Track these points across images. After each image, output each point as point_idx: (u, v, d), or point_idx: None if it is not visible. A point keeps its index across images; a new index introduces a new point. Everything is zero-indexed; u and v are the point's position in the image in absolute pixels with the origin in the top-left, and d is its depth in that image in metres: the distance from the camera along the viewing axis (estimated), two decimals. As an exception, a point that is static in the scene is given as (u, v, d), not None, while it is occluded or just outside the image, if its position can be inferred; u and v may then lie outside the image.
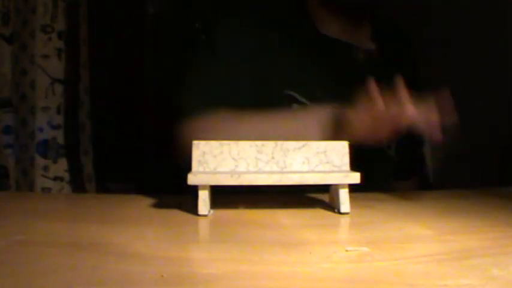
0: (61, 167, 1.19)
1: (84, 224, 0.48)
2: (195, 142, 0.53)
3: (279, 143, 0.54)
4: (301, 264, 0.34)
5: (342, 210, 0.52)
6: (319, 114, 0.72)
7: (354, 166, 0.54)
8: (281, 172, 0.52)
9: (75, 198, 0.86)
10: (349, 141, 0.56)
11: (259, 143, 0.53)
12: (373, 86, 0.64)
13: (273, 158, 0.53)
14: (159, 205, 0.56)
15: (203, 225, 0.48)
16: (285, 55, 0.82)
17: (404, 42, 1.00)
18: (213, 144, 0.53)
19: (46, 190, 1.16)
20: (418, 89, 0.99)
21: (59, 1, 1.17)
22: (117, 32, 1.48)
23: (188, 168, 0.52)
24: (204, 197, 0.50)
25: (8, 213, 0.53)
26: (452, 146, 0.64)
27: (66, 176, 1.19)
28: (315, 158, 0.54)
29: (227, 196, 0.56)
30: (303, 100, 0.82)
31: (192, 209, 0.50)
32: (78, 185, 1.21)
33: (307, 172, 0.53)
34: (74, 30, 1.20)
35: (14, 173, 1.19)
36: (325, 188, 0.56)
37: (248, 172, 0.52)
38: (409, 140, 0.72)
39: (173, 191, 0.59)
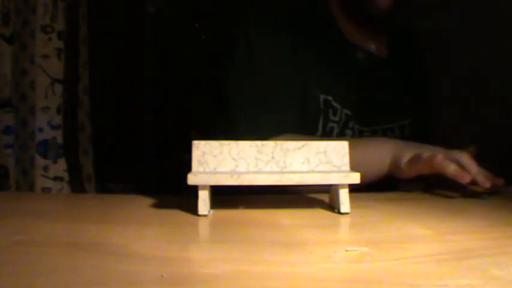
0: (61, 167, 1.19)
1: (84, 224, 0.48)
2: (195, 142, 0.53)
3: (279, 143, 0.54)
4: (301, 264, 0.34)
5: (342, 210, 0.52)
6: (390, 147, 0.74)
7: None
8: (281, 172, 0.52)
9: (75, 199, 0.86)
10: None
11: (259, 143, 0.53)
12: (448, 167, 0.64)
13: (273, 158, 0.53)
14: (159, 205, 0.56)
15: (203, 225, 0.48)
16: (317, 60, 0.83)
17: (419, 51, 1.02)
18: (213, 144, 0.53)
19: (46, 190, 1.16)
20: (429, 98, 1.00)
21: (59, 1, 1.17)
22: (117, 32, 1.48)
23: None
24: (204, 197, 0.50)
25: (8, 213, 0.53)
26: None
27: (66, 176, 1.19)
28: (315, 158, 0.54)
29: (227, 196, 0.56)
30: (336, 104, 0.82)
31: (192, 209, 0.50)
32: (77, 185, 1.21)
33: (307, 172, 0.53)
34: (74, 30, 1.21)
35: (14, 173, 1.19)
36: (325, 188, 0.56)
37: (248, 172, 0.52)
38: None
39: (173, 191, 0.59)
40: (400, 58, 0.95)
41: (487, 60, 1.29)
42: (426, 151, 0.67)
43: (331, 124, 0.83)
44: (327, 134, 0.83)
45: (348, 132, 0.85)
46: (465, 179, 0.62)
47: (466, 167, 0.64)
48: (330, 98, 0.83)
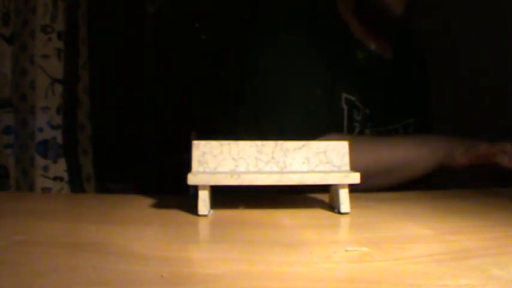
0: (61, 167, 1.19)
1: (84, 224, 0.48)
2: (195, 142, 0.53)
3: (279, 143, 0.54)
4: (301, 264, 0.34)
5: (342, 210, 0.52)
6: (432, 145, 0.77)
7: None
8: (281, 172, 0.52)
9: (75, 199, 0.86)
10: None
11: (259, 143, 0.53)
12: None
13: (273, 158, 0.53)
14: (159, 205, 0.56)
15: (203, 225, 0.48)
16: (336, 60, 0.83)
17: (419, 51, 1.02)
18: (213, 144, 0.53)
19: (46, 190, 1.16)
20: (429, 98, 1.01)
21: (58, 1, 1.17)
22: (117, 32, 1.48)
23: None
24: (204, 197, 0.50)
25: (8, 213, 0.53)
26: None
27: (66, 176, 1.19)
28: (315, 158, 0.54)
29: (227, 196, 0.56)
30: (360, 105, 0.83)
31: (192, 209, 0.50)
32: (77, 185, 1.21)
33: (307, 172, 0.53)
34: (74, 30, 1.20)
35: (14, 173, 1.19)
36: (326, 188, 0.56)
37: (248, 172, 0.52)
38: None
39: (173, 191, 0.59)
40: (403, 58, 0.95)
41: (487, 60, 1.29)
42: (479, 143, 0.73)
43: (354, 124, 0.84)
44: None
45: (367, 132, 0.85)
46: None
47: None
48: (352, 97, 0.83)
